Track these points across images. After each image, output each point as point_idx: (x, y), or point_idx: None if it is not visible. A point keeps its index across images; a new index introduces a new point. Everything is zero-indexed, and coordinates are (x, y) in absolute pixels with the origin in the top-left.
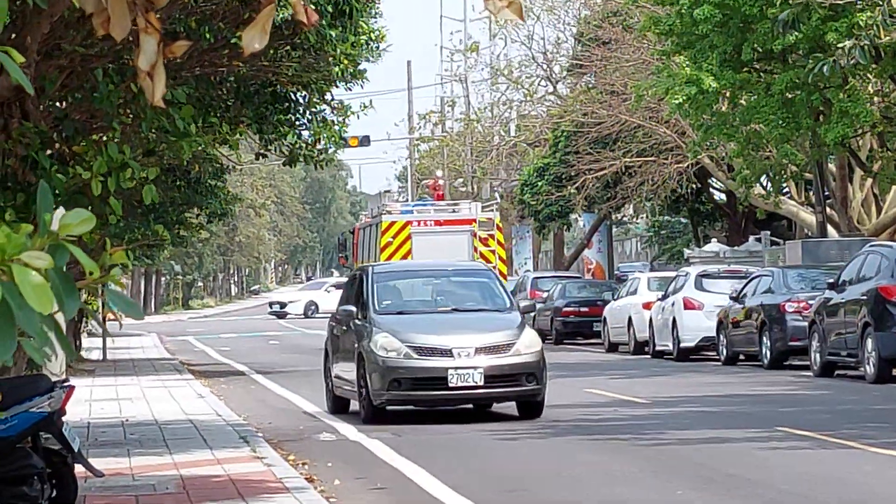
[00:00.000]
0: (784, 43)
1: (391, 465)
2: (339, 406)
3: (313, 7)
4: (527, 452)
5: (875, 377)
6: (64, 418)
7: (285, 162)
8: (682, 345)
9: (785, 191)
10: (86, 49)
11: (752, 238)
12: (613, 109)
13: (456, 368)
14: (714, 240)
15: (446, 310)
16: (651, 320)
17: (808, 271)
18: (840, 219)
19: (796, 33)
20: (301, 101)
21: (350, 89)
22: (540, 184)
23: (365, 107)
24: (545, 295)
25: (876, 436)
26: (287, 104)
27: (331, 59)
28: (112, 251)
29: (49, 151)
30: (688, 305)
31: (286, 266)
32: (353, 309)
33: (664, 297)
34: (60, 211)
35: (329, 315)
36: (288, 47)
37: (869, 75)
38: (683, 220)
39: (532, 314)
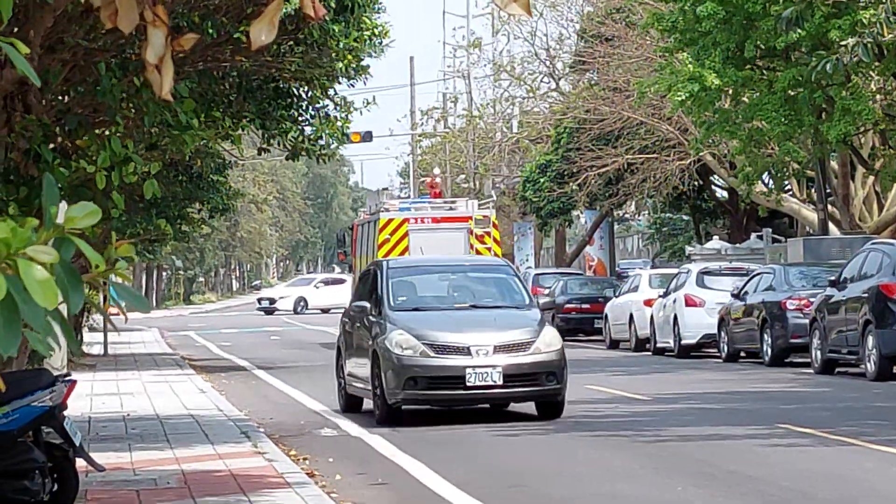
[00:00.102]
0: (787, 40)
1: (392, 461)
2: (351, 404)
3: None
4: (528, 448)
5: (876, 374)
6: (65, 412)
7: (288, 156)
8: (683, 342)
9: (787, 188)
10: (89, 43)
11: (753, 235)
12: (616, 106)
13: (474, 367)
14: (716, 237)
15: (464, 306)
16: (652, 317)
17: (810, 269)
18: (842, 216)
19: (799, 31)
20: (304, 96)
21: (353, 85)
22: (542, 180)
23: (368, 103)
24: (547, 292)
25: (876, 433)
26: (290, 100)
27: (334, 54)
28: (117, 245)
29: (52, 145)
30: (689, 302)
31: (288, 262)
32: (367, 305)
33: (665, 294)
34: (63, 205)
35: (317, 311)
36: (291, 42)
37: (871, 73)
38: (685, 217)
39: None
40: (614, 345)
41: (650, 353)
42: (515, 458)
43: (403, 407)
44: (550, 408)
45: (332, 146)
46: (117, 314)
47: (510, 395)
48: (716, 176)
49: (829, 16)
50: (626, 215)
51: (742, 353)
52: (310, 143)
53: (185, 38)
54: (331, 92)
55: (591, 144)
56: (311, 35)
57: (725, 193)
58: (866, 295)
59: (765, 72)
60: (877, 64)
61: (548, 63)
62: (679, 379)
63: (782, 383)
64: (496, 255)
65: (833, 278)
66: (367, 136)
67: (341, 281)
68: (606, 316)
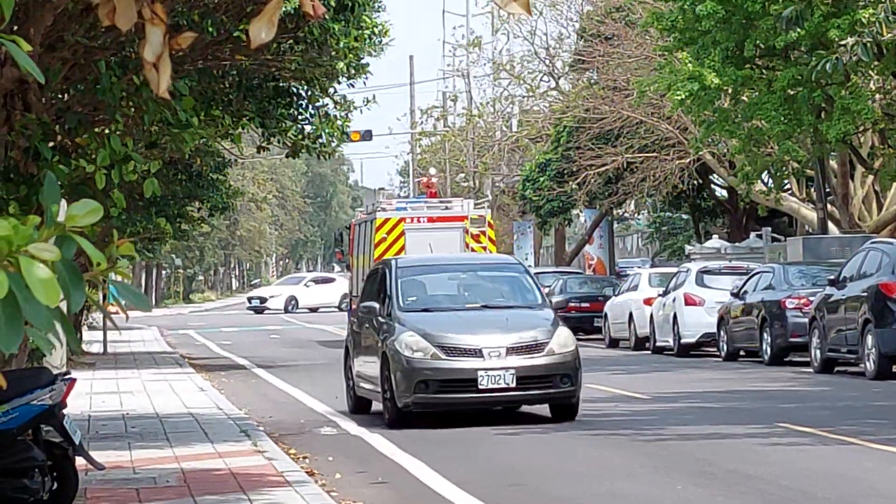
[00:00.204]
0: (786, 39)
1: (392, 460)
2: (360, 406)
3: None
4: (528, 447)
5: (875, 374)
6: (65, 411)
7: (288, 153)
8: (682, 341)
9: (786, 187)
10: (89, 41)
11: (753, 234)
12: (615, 105)
13: (486, 370)
14: (715, 236)
15: (475, 306)
16: (652, 316)
17: (809, 268)
18: (841, 215)
19: (799, 30)
20: (304, 95)
21: (353, 86)
22: (541, 179)
23: (368, 102)
24: (546, 290)
25: (876, 432)
26: (289, 98)
27: (334, 53)
28: (119, 243)
29: (51, 143)
30: (689, 301)
31: (287, 260)
32: (376, 305)
33: (665, 293)
34: (63, 203)
35: (311, 309)
36: (291, 41)
37: (871, 72)
38: (685, 216)
39: None
40: (614, 343)
41: (650, 352)
42: (515, 457)
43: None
44: (565, 410)
45: (333, 144)
46: (117, 312)
47: (523, 397)
48: (715, 175)
49: (829, 15)
50: (626, 214)
51: (741, 352)
52: (310, 141)
53: (182, 36)
54: (330, 91)
55: (591, 143)
56: (312, 34)
57: (725, 192)
58: (865, 294)
59: (764, 71)
60: (876, 63)
61: (547, 62)
62: (678, 378)
63: (782, 382)
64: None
65: (832, 277)
66: (366, 135)
67: (331, 280)
68: (606, 315)
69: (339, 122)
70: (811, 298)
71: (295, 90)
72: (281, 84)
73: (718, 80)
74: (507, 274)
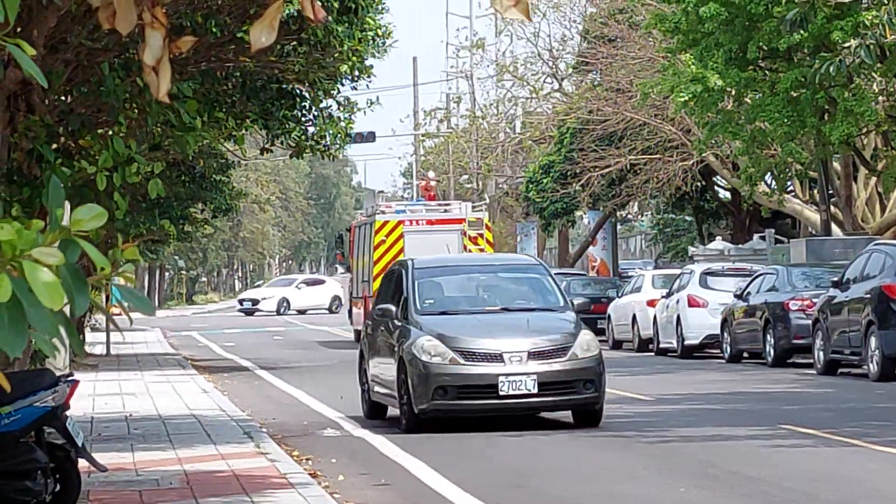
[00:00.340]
0: (789, 42)
1: (395, 461)
2: (375, 412)
3: (320, 3)
4: (531, 449)
5: (878, 375)
6: (68, 413)
7: (292, 154)
8: (686, 342)
9: (789, 189)
10: (92, 43)
11: (756, 236)
12: (619, 107)
13: (507, 375)
14: (718, 238)
15: (495, 309)
16: (655, 318)
17: (812, 269)
18: (844, 217)
19: (802, 32)
20: (307, 96)
21: (356, 88)
22: (545, 181)
23: (371, 103)
24: None
25: (879, 434)
26: (293, 100)
27: (337, 55)
28: (123, 247)
29: (54, 145)
30: (692, 303)
31: (290, 262)
32: (393, 308)
33: (668, 295)
34: (66, 206)
35: (299, 311)
36: (294, 43)
37: (874, 74)
38: (688, 217)
39: None
40: (617, 345)
41: (653, 354)
42: (518, 458)
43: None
44: (588, 417)
45: (336, 147)
46: (120, 314)
47: (545, 404)
48: (718, 177)
49: (832, 17)
50: (629, 216)
51: (745, 354)
52: (313, 142)
53: (183, 40)
54: (334, 92)
55: (594, 145)
56: (315, 36)
57: (728, 194)
58: (869, 296)
59: (767, 73)
60: (879, 65)
61: (551, 64)
62: (682, 379)
63: (785, 384)
64: None
65: (836, 279)
66: (369, 137)
67: (321, 282)
68: (609, 316)
69: (342, 124)
70: (814, 300)
71: (298, 92)
72: (284, 86)
73: (722, 82)
74: (528, 275)
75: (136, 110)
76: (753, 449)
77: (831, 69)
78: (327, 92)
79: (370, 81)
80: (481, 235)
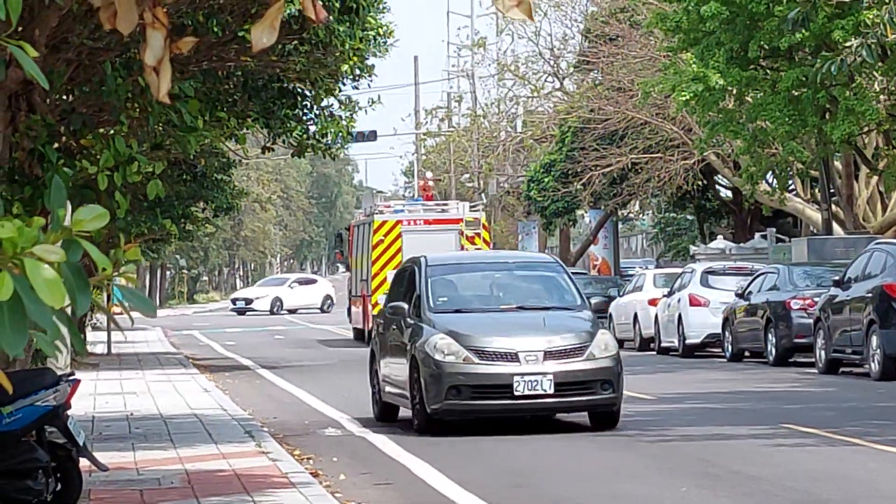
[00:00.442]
0: (790, 41)
1: (397, 461)
2: (387, 413)
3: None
4: (532, 448)
5: (880, 374)
6: (69, 412)
7: (294, 153)
8: (687, 341)
9: (790, 188)
10: (93, 42)
11: (757, 235)
12: (620, 106)
13: (522, 375)
14: (720, 236)
15: (510, 307)
16: (657, 317)
17: (814, 268)
18: (845, 216)
19: (803, 31)
20: (308, 95)
21: (357, 87)
22: (546, 180)
23: (373, 102)
24: None
25: (880, 433)
26: (294, 99)
27: (338, 54)
28: (125, 247)
29: (56, 145)
30: (693, 302)
31: (292, 261)
32: (405, 306)
33: (670, 294)
34: (67, 206)
35: (290, 311)
36: (296, 42)
37: (875, 73)
38: (689, 216)
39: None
40: (618, 344)
41: (654, 353)
42: (520, 458)
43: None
44: (605, 419)
45: (337, 146)
46: (121, 314)
47: (562, 405)
48: (720, 175)
49: (833, 16)
50: (631, 215)
51: (746, 353)
52: (315, 140)
53: (184, 41)
54: (335, 91)
55: (596, 144)
56: (317, 35)
57: (729, 193)
58: (870, 295)
59: (768, 72)
60: (880, 64)
61: (552, 63)
62: (683, 378)
63: (786, 383)
64: None
65: (837, 278)
66: (371, 135)
67: (313, 281)
68: (611, 315)
69: (343, 123)
70: (816, 299)
71: (299, 91)
72: (285, 85)
73: (723, 81)
74: (544, 273)
75: (138, 110)
76: (755, 448)
77: (832, 68)
78: (329, 91)
79: (371, 81)
80: (478, 235)
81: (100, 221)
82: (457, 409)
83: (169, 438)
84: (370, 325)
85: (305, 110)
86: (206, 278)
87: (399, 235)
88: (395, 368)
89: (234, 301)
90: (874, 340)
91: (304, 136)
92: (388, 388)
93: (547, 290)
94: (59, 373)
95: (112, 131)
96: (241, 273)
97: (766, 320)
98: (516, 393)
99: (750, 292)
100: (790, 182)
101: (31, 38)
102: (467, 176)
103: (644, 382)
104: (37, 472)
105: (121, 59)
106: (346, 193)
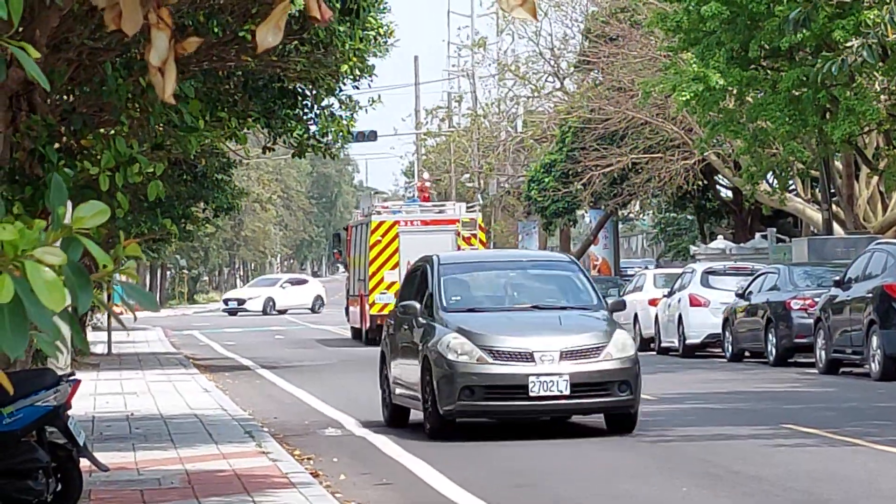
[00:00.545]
0: (791, 41)
1: (397, 461)
2: (397, 416)
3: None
4: (532, 448)
5: (880, 375)
6: (69, 412)
7: (294, 153)
8: (687, 341)
9: (791, 188)
10: (94, 42)
11: (758, 235)
12: (620, 106)
13: (538, 375)
14: (720, 237)
15: (524, 307)
16: (657, 317)
17: (814, 268)
18: (846, 216)
19: (804, 31)
20: (309, 95)
21: (358, 87)
22: (546, 180)
23: (373, 101)
24: None
25: (880, 433)
26: (295, 99)
27: (339, 55)
28: (125, 244)
29: (57, 145)
30: (693, 302)
31: (292, 261)
32: (417, 305)
33: (670, 294)
34: (68, 205)
35: (280, 311)
36: (296, 42)
37: (876, 73)
38: (689, 216)
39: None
40: None
41: (655, 353)
42: (520, 458)
43: (458, 420)
44: (622, 421)
45: (337, 145)
46: (122, 312)
47: (578, 406)
48: (720, 175)
49: (834, 16)
50: (631, 215)
51: (746, 353)
52: (315, 141)
53: (188, 41)
54: (335, 90)
55: (596, 144)
56: (317, 35)
57: (730, 193)
58: (871, 295)
59: (769, 72)
60: (881, 65)
61: (552, 62)
62: (683, 379)
63: (787, 383)
64: None
65: (837, 278)
66: (371, 135)
67: (304, 281)
68: None
69: (344, 122)
70: (816, 299)
71: (300, 90)
72: (286, 85)
73: (723, 81)
74: (559, 272)
75: (139, 110)
76: (755, 448)
77: (833, 68)
78: (329, 90)
79: (372, 81)
80: (475, 235)
81: (100, 218)
82: (470, 410)
83: (169, 438)
84: (367, 324)
85: (306, 110)
86: (206, 278)
87: (396, 236)
88: (407, 369)
89: (225, 301)
90: (874, 341)
91: (305, 135)
92: (398, 390)
93: (562, 289)
94: (60, 373)
95: (113, 131)
96: (242, 273)
97: (767, 320)
98: (531, 394)
99: (750, 292)
100: (790, 182)
101: (31, 38)
102: (468, 176)
103: (644, 383)
104: (37, 472)
105: (121, 59)
106: (346, 193)
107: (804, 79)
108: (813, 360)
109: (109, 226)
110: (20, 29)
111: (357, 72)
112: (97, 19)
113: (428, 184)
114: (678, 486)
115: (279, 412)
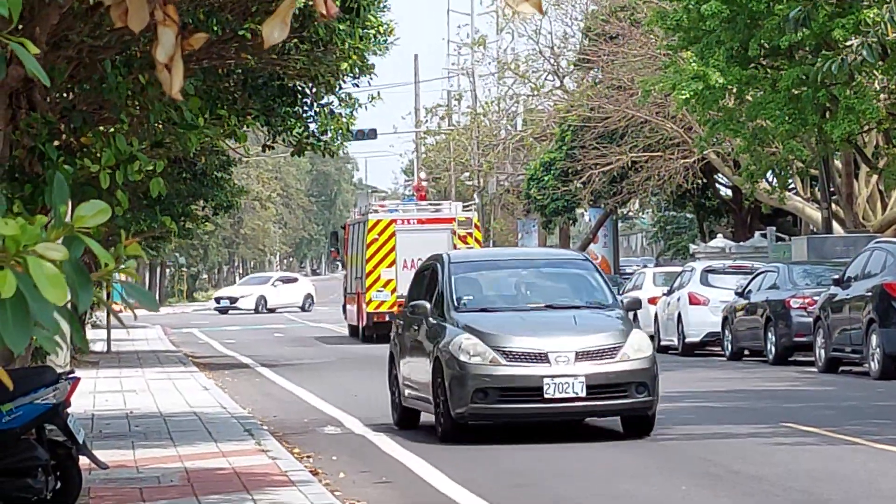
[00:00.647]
0: (791, 39)
1: (396, 459)
2: (406, 419)
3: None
4: (532, 447)
5: (879, 373)
6: (69, 410)
7: (293, 152)
8: (687, 340)
9: (791, 187)
10: (94, 40)
11: (757, 234)
12: (620, 104)
13: (553, 377)
14: (720, 235)
15: (538, 306)
16: (656, 315)
17: (814, 267)
18: (845, 215)
19: (804, 29)
20: (308, 93)
21: (357, 86)
22: (546, 178)
23: (373, 98)
24: None
25: (880, 432)
26: (294, 97)
27: (339, 53)
28: (126, 243)
29: (56, 143)
30: (693, 301)
31: (291, 259)
32: (427, 305)
33: (670, 293)
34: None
35: (270, 310)
36: (296, 40)
37: (875, 72)
38: (689, 215)
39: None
40: None
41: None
42: (520, 457)
43: (470, 423)
44: (639, 423)
45: (337, 143)
46: (121, 311)
47: (594, 408)
48: (720, 174)
49: (833, 15)
50: (630, 213)
51: (746, 352)
52: (315, 139)
53: (195, 37)
54: (335, 88)
55: (596, 142)
56: (317, 33)
57: (729, 191)
58: (870, 294)
59: (769, 70)
60: (881, 63)
61: (552, 61)
62: (683, 377)
63: (786, 382)
64: None
65: (837, 277)
66: (371, 134)
67: (294, 280)
68: None
69: (344, 120)
70: (816, 298)
71: (300, 88)
72: (286, 82)
73: (723, 80)
74: (573, 271)
75: (139, 108)
76: (755, 447)
77: (833, 67)
78: (329, 88)
79: (371, 79)
80: (470, 234)
81: (101, 217)
82: (483, 413)
83: (168, 436)
84: (364, 321)
85: (305, 108)
86: (205, 276)
87: (393, 234)
88: (417, 370)
89: (217, 300)
90: (874, 339)
91: (305, 133)
92: (408, 392)
93: (576, 288)
94: (59, 371)
95: (112, 129)
96: (241, 271)
97: (766, 319)
98: (546, 396)
99: (750, 291)
100: (790, 181)
101: (31, 35)
102: (467, 174)
103: None
104: (36, 470)
105: (121, 57)
106: (345, 192)
107: (804, 77)
108: (812, 358)
109: (109, 224)
110: (20, 26)
111: (357, 70)
112: (97, 17)
113: (425, 183)
114: (678, 486)
115: (278, 410)
